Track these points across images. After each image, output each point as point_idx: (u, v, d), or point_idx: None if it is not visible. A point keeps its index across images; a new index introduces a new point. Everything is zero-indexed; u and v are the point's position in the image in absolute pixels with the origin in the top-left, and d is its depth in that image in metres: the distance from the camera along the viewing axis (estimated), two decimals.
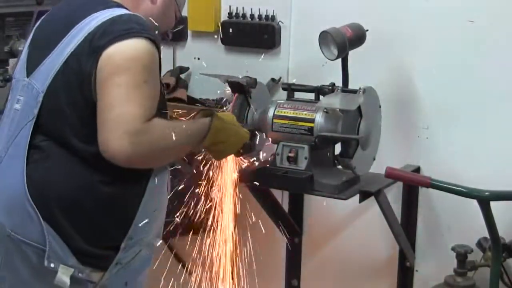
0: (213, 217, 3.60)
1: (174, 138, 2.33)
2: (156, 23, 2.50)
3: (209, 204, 3.43)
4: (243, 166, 3.11)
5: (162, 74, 3.60)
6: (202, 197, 3.37)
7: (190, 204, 3.46)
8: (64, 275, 2.31)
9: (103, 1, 2.40)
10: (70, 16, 2.39)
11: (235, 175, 3.04)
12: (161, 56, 2.38)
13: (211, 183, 3.26)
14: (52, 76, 2.33)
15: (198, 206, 3.42)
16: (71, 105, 2.31)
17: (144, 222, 2.40)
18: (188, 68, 3.66)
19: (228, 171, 3.29)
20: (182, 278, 3.78)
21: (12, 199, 2.34)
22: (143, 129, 2.23)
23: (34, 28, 2.54)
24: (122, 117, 2.22)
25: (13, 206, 2.34)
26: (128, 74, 2.25)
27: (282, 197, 3.51)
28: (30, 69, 2.41)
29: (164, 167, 2.47)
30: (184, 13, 3.57)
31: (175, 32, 3.02)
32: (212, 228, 3.58)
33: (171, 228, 3.43)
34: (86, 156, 2.30)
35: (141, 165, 2.32)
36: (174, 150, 2.39)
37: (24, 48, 2.52)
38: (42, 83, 2.35)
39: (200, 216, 3.52)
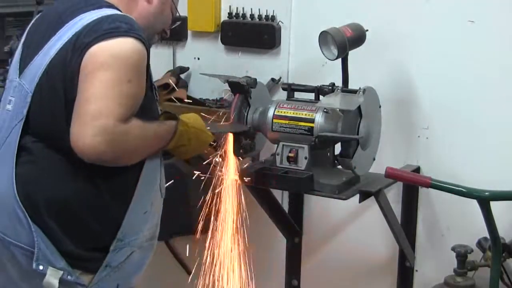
0: (214, 217, 3.60)
1: (146, 141, 2.31)
2: (153, 23, 2.49)
3: (209, 205, 3.43)
4: (243, 167, 3.11)
5: (162, 74, 3.61)
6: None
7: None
8: (52, 278, 2.28)
9: (95, 1, 2.37)
10: (60, 15, 2.36)
11: (236, 176, 3.04)
12: (150, 57, 2.30)
13: (212, 183, 3.26)
14: (38, 76, 2.30)
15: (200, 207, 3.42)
16: (57, 106, 2.27)
17: (134, 224, 2.37)
18: (188, 68, 3.66)
19: (229, 171, 3.29)
20: (182, 278, 3.77)
21: (1, 200, 2.32)
22: (120, 130, 2.18)
23: (28, 27, 2.50)
24: (100, 112, 2.15)
25: (2, 208, 2.32)
26: (112, 70, 2.19)
27: (282, 197, 3.51)
28: (22, 69, 2.38)
29: (156, 170, 2.44)
30: (184, 13, 3.59)
31: (174, 32, 3.02)
32: (213, 228, 3.59)
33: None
34: (74, 158, 2.23)
35: (106, 163, 2.24)
36: (142, 153, 2.35)
37: (18, 48, 2.48)
38: (30, 83, 2.32)
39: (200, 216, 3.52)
